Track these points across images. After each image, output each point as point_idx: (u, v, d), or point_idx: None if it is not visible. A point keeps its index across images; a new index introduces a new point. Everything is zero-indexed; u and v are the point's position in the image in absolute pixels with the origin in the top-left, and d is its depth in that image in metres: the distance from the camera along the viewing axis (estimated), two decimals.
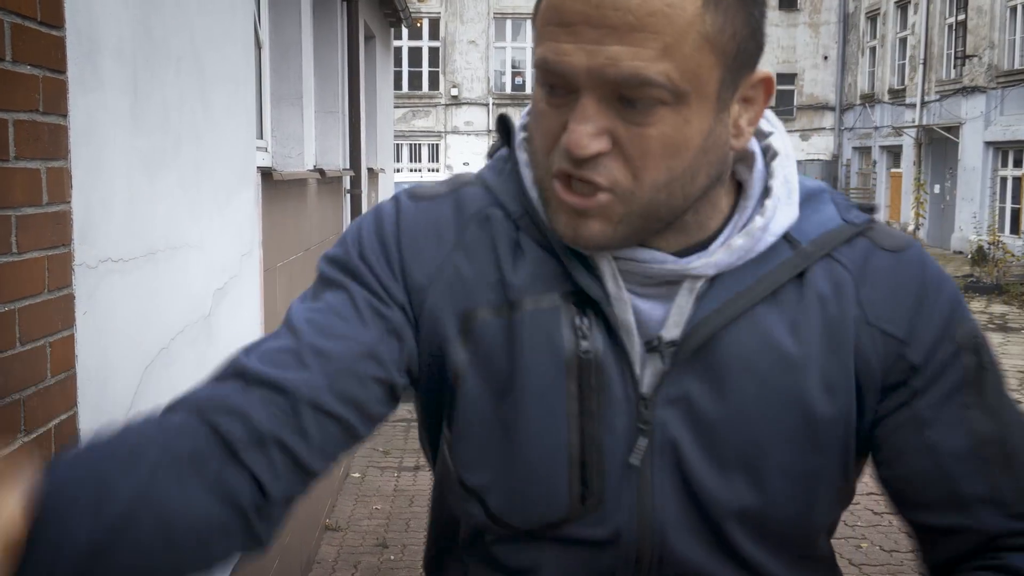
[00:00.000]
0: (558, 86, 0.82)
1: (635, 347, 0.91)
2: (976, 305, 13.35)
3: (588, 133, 0.80)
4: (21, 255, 1.59)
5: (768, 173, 0.94)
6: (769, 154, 0.95)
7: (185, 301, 2.58)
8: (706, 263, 0.90)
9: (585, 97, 0.80)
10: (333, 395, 0.85)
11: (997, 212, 20.00)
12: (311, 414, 0.84)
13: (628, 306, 0.90)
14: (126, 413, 2.13)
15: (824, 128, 29.44)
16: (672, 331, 0.90)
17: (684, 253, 0.91)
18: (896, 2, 25.36)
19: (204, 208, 2.79)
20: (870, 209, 0.97)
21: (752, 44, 0.85)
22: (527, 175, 0.94)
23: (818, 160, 29.20)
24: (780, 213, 0.92)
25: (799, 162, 27.66)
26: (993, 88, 20.20)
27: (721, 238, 0.92)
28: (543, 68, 0.82)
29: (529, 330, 0.91)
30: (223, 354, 3.32)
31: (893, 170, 25.72)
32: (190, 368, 2.59)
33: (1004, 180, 20.20)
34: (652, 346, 0.91)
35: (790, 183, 0.94)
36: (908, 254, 0.95)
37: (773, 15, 28.95)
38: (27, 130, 1.61)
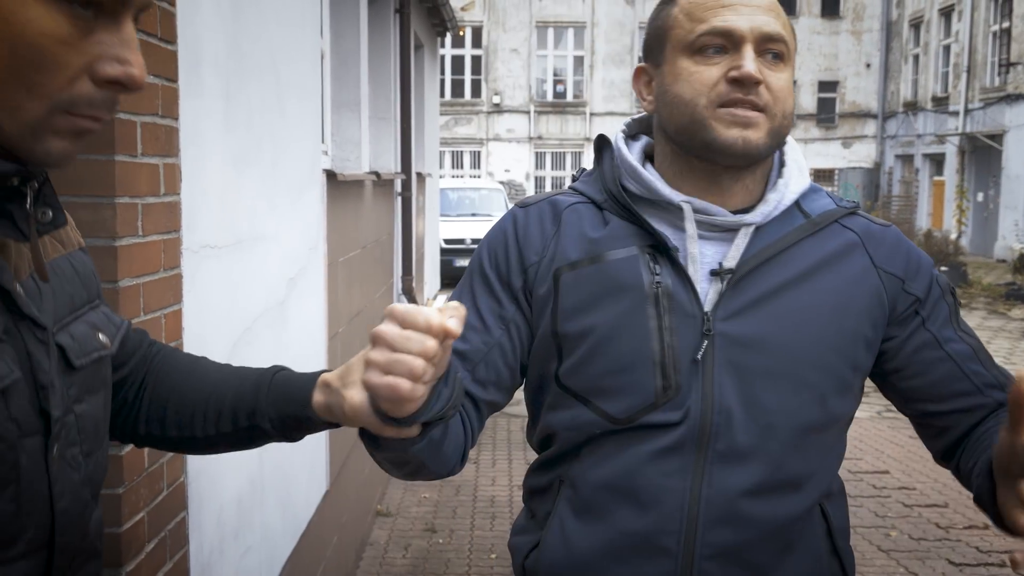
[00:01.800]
0: (717, 47, 1.27)
1: (700, 275, 1.30)
2: (1017, 312, 13.35)
3: (755, 67, 1.25)
4: (145, 237, 1.86)
5: (782, 153, 1.39)
6: None
7: (264, 287, 2.84)
8: (754, 215, 1.32)
9: (746, 48, 1.26)
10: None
11: None
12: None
13: (697, 244, 1.30)
14: None
15: (866, 136, 29.34)
16: (730, 263, 1.29)
17: (737, 212, 1.33)
18: (940, 9, 25.26)
19: (279, 203, 3.06)
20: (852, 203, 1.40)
21: None
22: (627, 157, 1.37)
23: (860, 168, 29.08)
24: (795, 180, 1.35)
25: (840, 170, 27.27)
26: None
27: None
28: (711, 33, 1.27)
29: (616, 271, 1.31)
30: (294, 338, 3.59)
31: (936, 178, 25.60)
32: (267, 349, 2.86)
33: None
34: (716, 272, 1.29)
35: (799, 163, 1.38)
36: (893, 229, 1.40)
37: (815, 22, 28.90)
38: (150, 131, 1.88)
